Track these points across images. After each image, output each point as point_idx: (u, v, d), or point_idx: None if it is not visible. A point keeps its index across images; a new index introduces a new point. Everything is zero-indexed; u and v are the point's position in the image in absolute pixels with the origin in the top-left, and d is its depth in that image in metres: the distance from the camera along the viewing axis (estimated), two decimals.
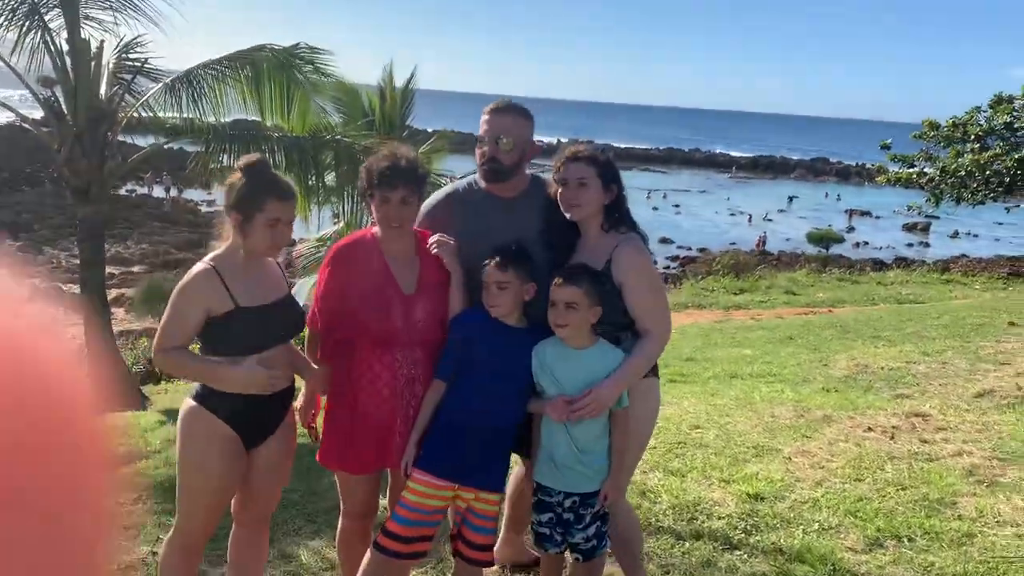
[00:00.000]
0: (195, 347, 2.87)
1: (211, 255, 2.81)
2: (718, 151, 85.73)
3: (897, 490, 4.13)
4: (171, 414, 7.45)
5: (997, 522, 3.67)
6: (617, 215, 2.98)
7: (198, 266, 2.77)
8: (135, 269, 23.93)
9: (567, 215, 2.95)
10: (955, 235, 39.70)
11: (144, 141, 12.18)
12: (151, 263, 24.57)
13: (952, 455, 4.61)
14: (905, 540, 3.60)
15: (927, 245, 37.36)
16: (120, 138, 10.17)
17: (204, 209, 34.96)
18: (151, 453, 5.78)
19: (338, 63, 10.31)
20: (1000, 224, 41.08)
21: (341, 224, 12.34)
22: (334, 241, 12.40)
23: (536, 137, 3.18)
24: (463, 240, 2.95)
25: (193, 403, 2.76)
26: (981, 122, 20.38)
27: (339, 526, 3.13)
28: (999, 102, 20.16)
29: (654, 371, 3.04)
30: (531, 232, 2.99)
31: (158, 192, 38.38)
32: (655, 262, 3.07)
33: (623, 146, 74.92)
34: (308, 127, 10.03)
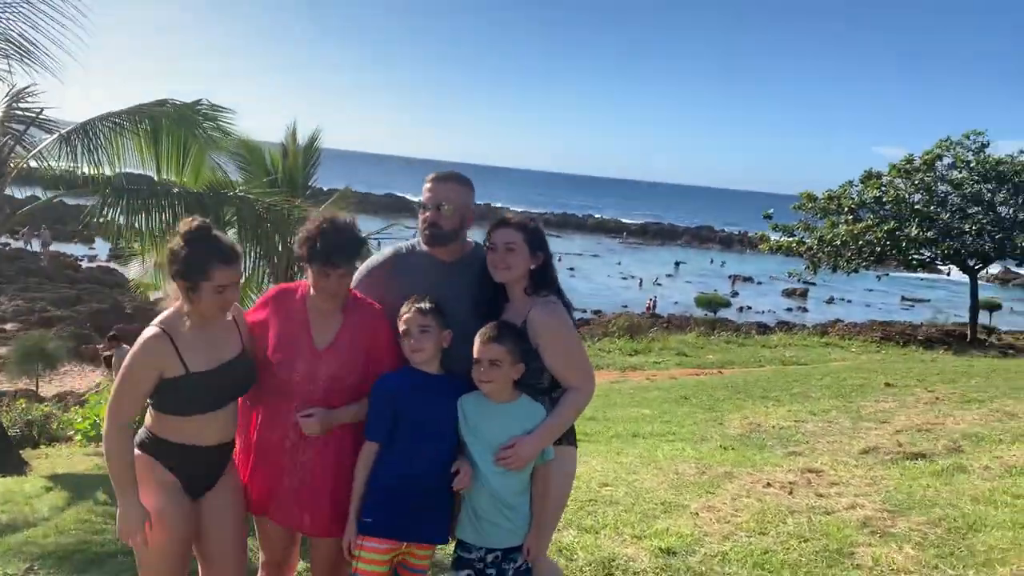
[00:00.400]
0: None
1: (160, 317, 2.81)
2: (609, 217, 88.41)
3: (800, 542, 4.32)
4: (57, 479, 7.03)
5: (892, 570, 3.88)
6: (540, 280, 3.09)
7: (148, 330, 2.78)
8: (8, 327, 22.53)
9: (495, 277, 3.06)
10: (830, 300, 41.97)
11: (21, 193, 11.67)
12: (26, 320, 23.19)
13: (847, 508, 4.86)
14: None
15: (805, 310, 39.31)
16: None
17: (85, 264, 33.45)
18: (39, 520, 5.42)
19: (241, 120, 10.25)
20: (871, 291, 43.83)
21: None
22: None
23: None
24: (400, 300, 3.00)
25: (137, 452, 2.82)
26: (853, 195, 21.91)
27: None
28: (869, 177, 21.77)
29: (572, 439, 3.13)
30: (467, 295, 3.08)
31: (35, 246, 36.44)
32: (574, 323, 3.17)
33: (519, 210, 76.28)
34: (202, 182, 9.87)
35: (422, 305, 2.90)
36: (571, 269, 46.34)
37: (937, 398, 9.88)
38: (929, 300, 42.20)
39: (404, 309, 2.92)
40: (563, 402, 2.98)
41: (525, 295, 3.06)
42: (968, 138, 21.19)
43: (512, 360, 2.88)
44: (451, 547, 3.07)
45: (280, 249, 10.64)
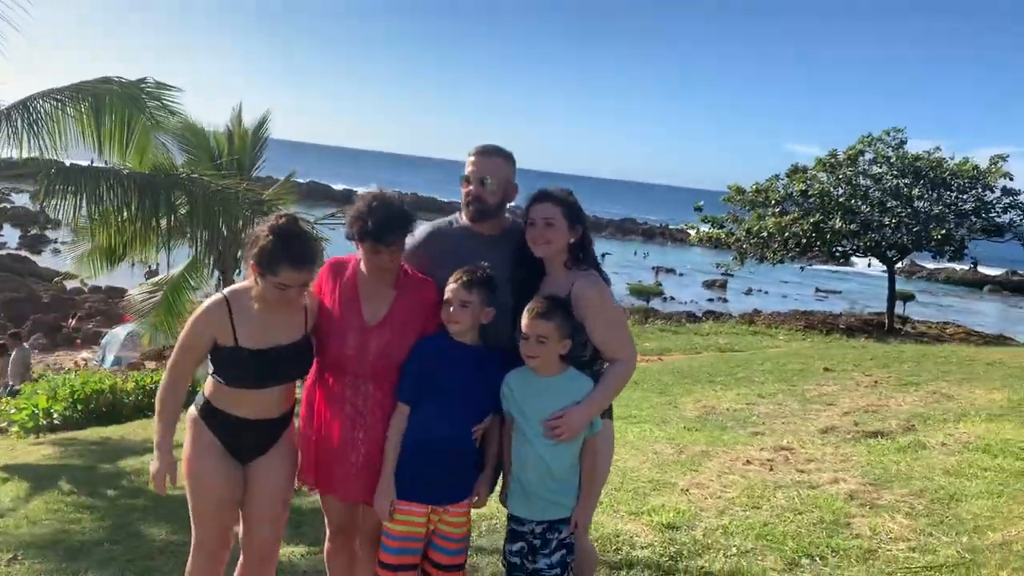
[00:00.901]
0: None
1: (231, 288, 2.89)
2: None
3: (795, 515, 4.48)
4: (12, 469, 6.71)
5: (891, 538, 4.07)
6: (581, 254, 3.12)
7: (214, 295, 2.87)
8: None
9: (535, 252, 3.07)
10: (748, 292, 43.15)
11: None
12: None
13: (829, 483, 5.06)
14: (817, 559, 3.92)
15: (725, 300, 40.31)
16: None
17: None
18: (5, 511, 5.18)
19: (186, 102, 9.93)
20: (786, 282, 45.29)
21: (178, 270, 11.71)
22: (169, 289, 11.75)
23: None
24: (444, 275, 3.00)
25: (194, 413, 2.94)
26: (779, 189, 22.62)
27: (326, 542, 3.21)
28: (795, 171, 22.50)
29: (610, 413, 3.18)
30: (505, 269, 3.08)
31: None
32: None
33: (446, 201, 75.96)
34: (147, 164, 9.52)
35: (468, 278, 2.89)
36: None
37: (876, 381, 10.32)
38: (841, 292, 43.89)
39: (452, 278, 2.92)
40: (610, 374, 3.01)
41: (565, 268, 3.08)
42: (888, 135, 22.13)
43: (560, 336, 2.90)
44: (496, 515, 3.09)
45: (226, 234, 10.39)
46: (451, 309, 2.90)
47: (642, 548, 4.13)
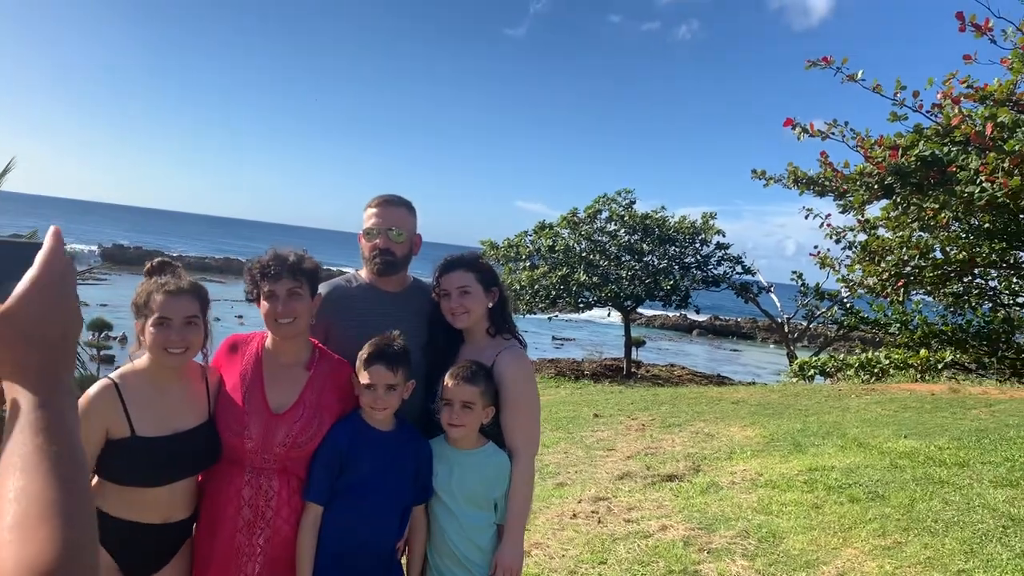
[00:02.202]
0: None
1: (115, 372, 2.46)
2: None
3: (643, 567, 4.59)
4: None
5: None
6: (499, 319, 2.99)
7: (96, 384, 2.41)
8: None
9: (454, 324, 2.90)
10: None
11: None
12: None
13: (659, 530, 5.25)
14: None
15: None
16: None
17: None
18: None
19: None
20: (525, 331, 47.15)
21: None
22: None
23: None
24: (346, 338, 2.78)
25: None
26: (528, 244, 23.75)
27: None
28: (542, 228, 23.76)
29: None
30: (414, 331, 2.90)
31: None
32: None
33: (176, 254, 70.92)
34: None
35: (390, 355, 2.62)
36: (239, 316, 44.07)
37: (643, 424, 11.01)
38: (575, 339, 46.76)
39: (368, 357, 2.62)
40: (517, 481, 2.82)
41: (488, 336, 2.94)
42: (620, 195, 24.15)
43: (484, 403, 2.76)
44: None
45: None
46: (375, 396, 2.60)
47: None
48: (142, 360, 2.45)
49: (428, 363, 2.87)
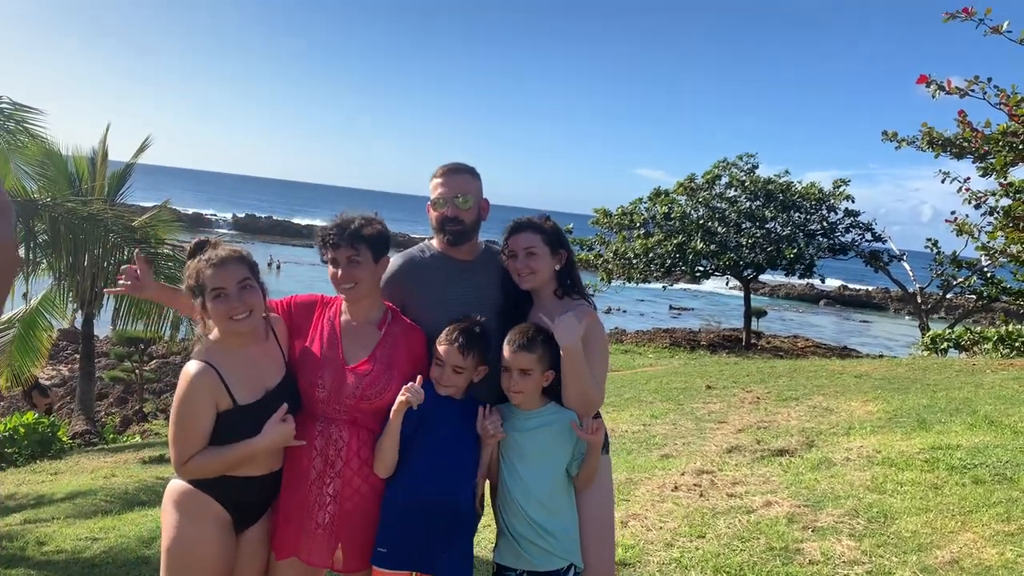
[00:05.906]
0: None
1: (198, 352, 2.57)
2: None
3: (743, 543, 4.45)
4: None
5: (844, 562, 4.09)
6: (569, 280, 2.99)
7: (188, 366, 2.52)
8: None
9: (521, 285, 2.92)
10: (608, 311, 44.46)
11: None
12: None
13: (763, 506, 5.08)
14: None
15: None
16: None
17: None
18: None
19: (47, 124, 9.11)
20: (641, 301, 46.91)
21: (33, 303, 10.62)
22: (22, 325, 10.61)
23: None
24: (422, 307, 2.85)
25: (187, 485, 2.54)
26: (643, 212, 23.36)
27: None
28: (657, 195, 23.30)
29: (605, 446, 3.01)
30: (488, 297, 2.94)
31: None
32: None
33: (304, 223, 73.38)
34: (8, 190, 8.62)
35: (463, 340, 2.69)
36: None
37: (758, 397, 10.68)
38: (693, 309, 45.95)
39: (445, 336, 2.70)
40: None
41: (556, 298, 2.94)
42: (741, 159, 23.36)
43: (543, 368, 2.76)
44: None
45: (86, 263, 9.52)
46: (444, 372, 2.70)
47: None
48: (214, 334, 2.57)
49: (502, 326, 2.88)
